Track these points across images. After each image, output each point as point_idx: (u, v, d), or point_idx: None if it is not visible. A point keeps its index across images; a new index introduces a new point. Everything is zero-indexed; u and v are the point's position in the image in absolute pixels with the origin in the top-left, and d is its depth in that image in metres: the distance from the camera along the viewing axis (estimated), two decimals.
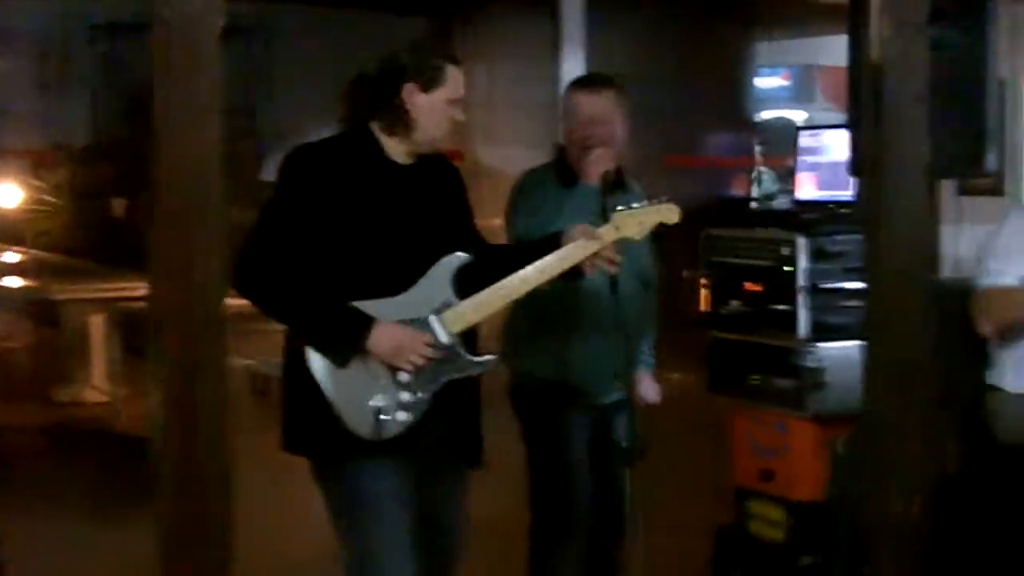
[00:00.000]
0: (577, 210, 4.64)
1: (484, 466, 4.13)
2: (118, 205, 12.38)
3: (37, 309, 10.64)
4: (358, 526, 3.97)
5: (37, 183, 12.57)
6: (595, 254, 4.02)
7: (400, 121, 3.98)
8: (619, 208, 4.12)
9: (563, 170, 4.80)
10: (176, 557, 3.03)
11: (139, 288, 8.70)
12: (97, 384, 10.15)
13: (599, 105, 4.76)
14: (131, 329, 9.23)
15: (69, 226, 12.62)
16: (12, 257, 11.01)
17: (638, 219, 4.10)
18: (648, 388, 4.91)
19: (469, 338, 4.00)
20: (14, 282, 10.18)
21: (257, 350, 7.46)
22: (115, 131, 13.22)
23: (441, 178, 4.14)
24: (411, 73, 3.96)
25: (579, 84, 4.91)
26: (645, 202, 4.12)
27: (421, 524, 4.02)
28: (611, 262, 4.05)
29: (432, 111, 3.97)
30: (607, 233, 4.07)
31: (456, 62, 4.03)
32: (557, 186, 4.77)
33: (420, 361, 3.87)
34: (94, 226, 12.60)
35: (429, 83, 3.96)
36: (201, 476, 2.99)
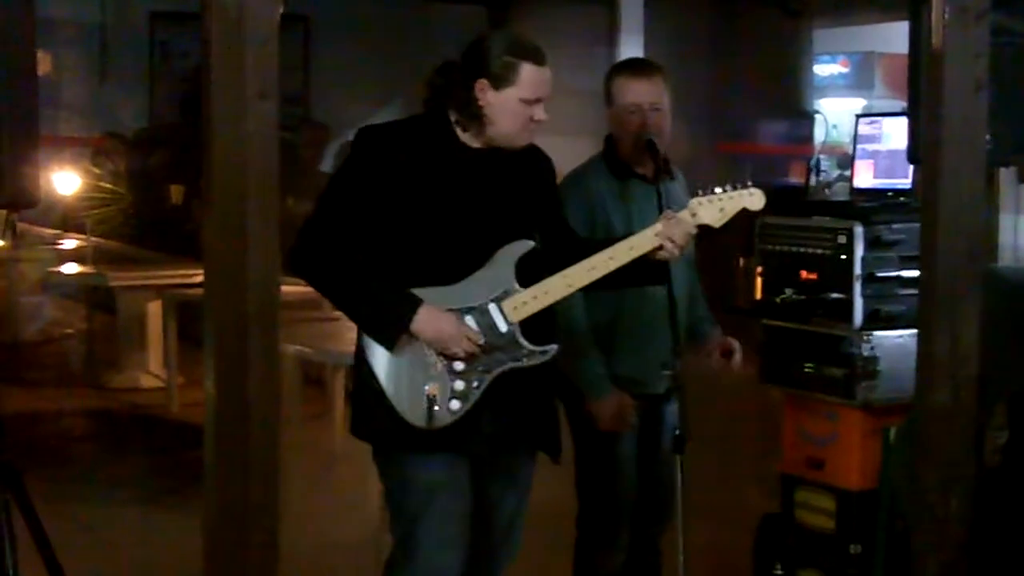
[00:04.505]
0: (637, 201, 4.62)
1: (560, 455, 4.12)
2: (175, 192, 12.43)
3: (94, 295, 10.72)
4: (405, 514, 3.97)
5: (95, 171, 12.64)
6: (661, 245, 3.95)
7: (473, 116, 3.90)
8: (698, 193, 4.05)
9: (615, 163, 4.76)
10: (221, 544, 3.04)
11: (195, 275, 8.76)
12: (152, 370, 10.22)
13: (653, 92, 4.71)
14: (187, 316, 9.27)
15: (126, 213, 12.68)
16: (70, 244, 11.08)
17: (718, 206, 4.01)
18: (725, 352, 4.85)
19: (542, 324, 3.95)
20: (72, 268, 10.26)
21: (311, 338, 7.47)
22: (173, 119, 13.28)
23: (522, 165, 4.05)
24: (483, 68, 3.87)
25: (627, 69, 4.82)
26: (729, 187, 4.03)
27: (474, 517, 4.01)
28: (680, 248, 3.97)
29: (504, 109, 3.88)
30: (684, 219, 3.99)
31: (538, 61, 3.89)
32: (611, 180, 4.72)
33: (466, 349, 3.84)
34: (151, 213, 12.67)
35: (500, 80, 3.86)
36: (250, 466, 2.99)
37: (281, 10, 3.02)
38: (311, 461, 7.47)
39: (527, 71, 3.87)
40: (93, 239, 10.73)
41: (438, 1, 13.14)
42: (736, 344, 4.84)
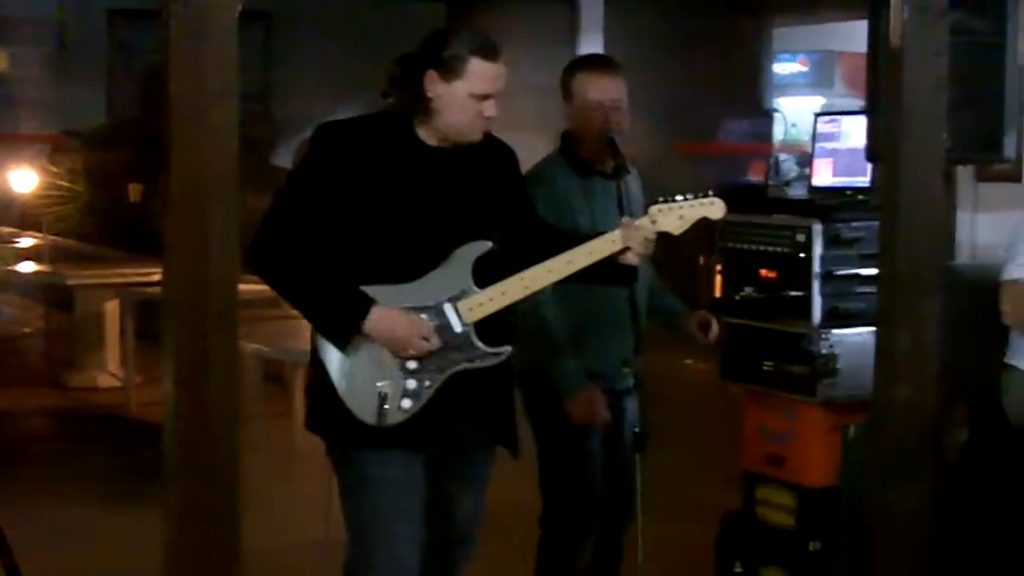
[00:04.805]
0: (598, 198, 4.61)
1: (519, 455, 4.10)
2: (133, 190, 12.37)
3: (51, 294, 10.66)
4: (359, 512, 3.95)
5: (52, 168, 12.58)
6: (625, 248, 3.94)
7: (422, 107, 3.88)
8: (659, 200, 4.03)
9: (576, 160, 4.74)
10: (182, 543, 3.03)
11: (153, 273, 8.72)
12: (110, 369, 10.16)
13: (616, 89, 4.70)
14: (145, 315, 9.23)
15: (84, 211, 12.63)
16: (27, 242, 11.02)
17: (678, 213, 3.99)
18: (703, 326, 4.85)
19: (498, 325, 3.93)
20: (29, 267, 10.19)
21: (270, 336, 7.45)
22: (131, 116, 13.23)
23: (484, 162, 4.01)
24: (433, 60, 3.84)
25: (588, 65, 4.81)
26: (690, 195, 4.01)
27: (432, 517, 3.99)
28: (639, 255, 3.96)
29: (452, 102, 3.84)
30: (643, 226, 3.97)
31: (489, 56, 3.85)
32: (573, 178, 4.70)
33: (419, 350, 3.82)
34: (109, 211, 12.61)
35: (448, 73, 3.82)
36: (210, 463, 2.99)
37: (240, 7, 3.01)
38: (272, 459, 7.46)
39: (476, 66, 3.84)
40: (50, 237, 10.67)
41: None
42: (712, 317, 4.85)
